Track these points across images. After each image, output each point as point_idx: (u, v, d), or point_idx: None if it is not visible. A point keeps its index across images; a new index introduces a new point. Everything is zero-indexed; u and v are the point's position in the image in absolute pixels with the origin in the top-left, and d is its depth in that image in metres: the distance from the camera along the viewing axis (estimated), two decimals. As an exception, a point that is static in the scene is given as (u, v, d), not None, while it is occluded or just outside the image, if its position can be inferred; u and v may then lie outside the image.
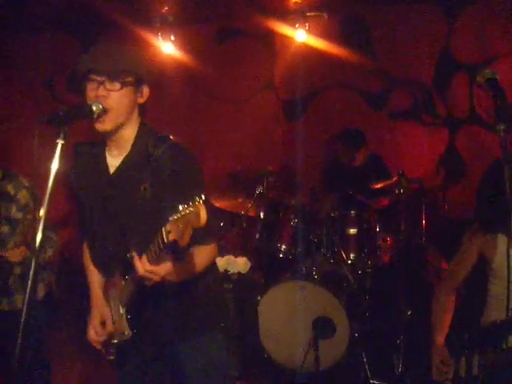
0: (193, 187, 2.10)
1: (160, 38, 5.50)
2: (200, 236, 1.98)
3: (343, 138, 5.22)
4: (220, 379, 2.46)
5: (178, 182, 2.16)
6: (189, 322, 2.35)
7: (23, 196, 3.38)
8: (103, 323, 2.39)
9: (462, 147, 5.51)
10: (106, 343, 2.38)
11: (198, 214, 1.80)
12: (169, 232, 1.86)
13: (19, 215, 3.37)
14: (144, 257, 2.02)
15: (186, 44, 5.57)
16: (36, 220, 3.31)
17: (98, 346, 2.41)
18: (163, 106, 4.86)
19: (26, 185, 3.41)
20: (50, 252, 3.49)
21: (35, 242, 1.94)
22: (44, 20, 5.79)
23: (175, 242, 1.87)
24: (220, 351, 2.47)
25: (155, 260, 2.01)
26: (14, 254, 3.27)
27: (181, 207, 1.81)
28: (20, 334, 1.92)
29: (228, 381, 2.57)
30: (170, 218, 1.83)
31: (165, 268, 2.05)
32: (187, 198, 1.83)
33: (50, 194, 2.00)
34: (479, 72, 2.08)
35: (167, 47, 5.54)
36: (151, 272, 2.03)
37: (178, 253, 2.07)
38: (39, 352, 3.47)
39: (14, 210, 3.37)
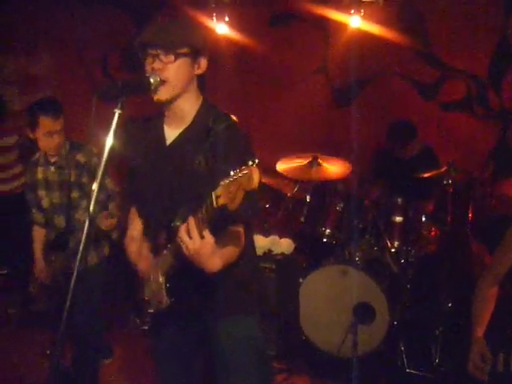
0: (245, 154, 2.11)
1: (214, 18, 5.53)
2: (234, 216, 1.98)
3: (394, 131, 5.13)
4: (255, 357, 2.46)
5: (230, 152, 2.17)
6: (228, 300, 2.36)
7: (94, 163, 3.53)
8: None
9: (513, 141, 5.41)
10: (142, 312, 2.40)
11: (250, 177, 1.79)
12: (218, 196, 1.85)
13: (89, 181, 3.54)
14: (191, 220, 2.01)
15: (240, 26, 5.58)
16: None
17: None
18: (215, 86, 4.90)
19: (95, 152, 3.54)
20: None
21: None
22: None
23: (224, 206, 1.85)
24: (257, 330, 2.48)
25: (199, 229, 2.00)
26: (107, 224, 3.41)
27: (232, 172, 1.81)
28: (70, 296, 1.97)
29: (263, 359, 2.56)
30: (222, 183, 1.83)
31: (207, 241, 2.02)
32: (239, 164, 1.83)
33: (105, 165, 2.04)
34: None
35: (221, 28, 5.55)
36: (192, 238, 2.00)
37: (221, 224, 2.07)
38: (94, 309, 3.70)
39: (84, 176, 3.54)
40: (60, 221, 3.65)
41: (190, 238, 2.00)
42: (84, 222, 1.96)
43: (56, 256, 3.67)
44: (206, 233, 2.00)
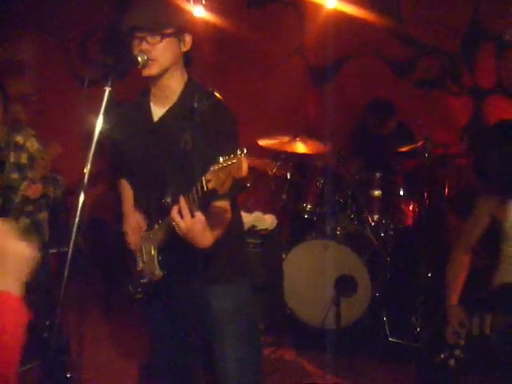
0: (234, 141, 2.24)
1: (191, 1, 5.55)
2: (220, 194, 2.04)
3: (374, 108, 5.23)
4: (247, 325, 2.55)
5: (218, 136, 2.25)
6: (217, 269, 2.43)
7: (31, 144, 3.62)
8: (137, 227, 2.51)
9: (487, 117, 5.53)
10: (135, 282, 2.50)
11: (240, 166, 1.88)
12: (209, 181, 1.93)
13: (28, 162, 3.59)
14: (182, 200, 2.08)
15: (217, 8, 5.61)
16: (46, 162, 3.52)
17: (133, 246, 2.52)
18: (193, 69, 4.94)
19: (33, 133, 3.67)
20: (58, 192, 3.69)
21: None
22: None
23: (214, 190, 1.95)
24: (248, 299, 2.57)
25: (190, 208, 2.08)
26: (33, 191, 3.48)
27: (221, 159, 1.89)
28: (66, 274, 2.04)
29: (254, 328, 2.64)
30: (211, 168, 1.91)
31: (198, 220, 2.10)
32: (228, 151, 1.90)
33: (96, 143, 2.10)
34: (507, 32, 2.14)
35: (198, 11, 5.58)
36: (185, 216, 2.08)
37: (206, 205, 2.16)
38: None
39: (23, 157, 3.60)
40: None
41: (182, 217, 2.08)
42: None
43: None
44: (197, 212, 2.08)
